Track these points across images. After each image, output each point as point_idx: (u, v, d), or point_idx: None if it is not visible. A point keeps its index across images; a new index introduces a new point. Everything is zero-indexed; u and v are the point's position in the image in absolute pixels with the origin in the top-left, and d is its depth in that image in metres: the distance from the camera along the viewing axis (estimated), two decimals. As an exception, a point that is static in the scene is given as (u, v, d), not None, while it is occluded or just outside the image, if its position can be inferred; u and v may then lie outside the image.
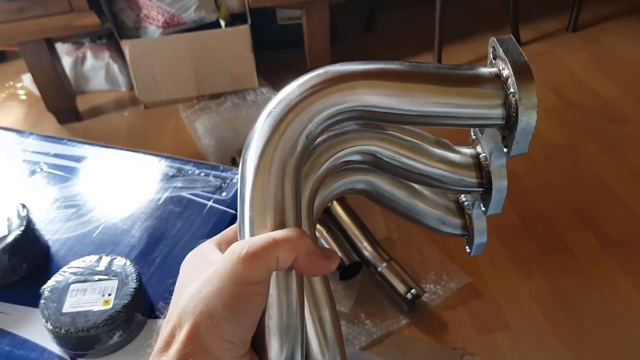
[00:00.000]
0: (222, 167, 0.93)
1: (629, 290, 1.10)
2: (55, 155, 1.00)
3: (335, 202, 1.29)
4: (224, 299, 0.26)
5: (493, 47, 0.31)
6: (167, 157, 0.97)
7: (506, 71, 0.29)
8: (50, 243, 0.80)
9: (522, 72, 0.28)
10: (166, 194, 0.89)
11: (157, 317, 0.71)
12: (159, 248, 0.80)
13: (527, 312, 1.08)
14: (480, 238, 0.40)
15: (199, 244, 0.34)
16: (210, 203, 0.86)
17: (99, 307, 0.65)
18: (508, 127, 0.30)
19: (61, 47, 1.89)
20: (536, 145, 1.50)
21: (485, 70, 0.30)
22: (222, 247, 0.32)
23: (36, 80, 1.68)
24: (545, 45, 1.94)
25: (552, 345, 1.02)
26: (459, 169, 0.36)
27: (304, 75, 0.30)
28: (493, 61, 0.31)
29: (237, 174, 0.95)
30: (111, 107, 1.85)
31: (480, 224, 0.40)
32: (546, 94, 1.70)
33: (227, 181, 0.90)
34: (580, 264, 1.17)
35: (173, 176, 0.93)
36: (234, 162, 1.47)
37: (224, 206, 0.85)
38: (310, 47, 1.81)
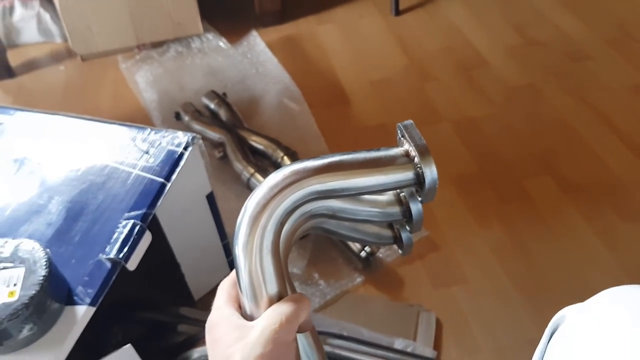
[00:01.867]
0: (149, 129, 0.84)
1: (588, 237, 1.07)
2: (-36, 123, 0.90)
3: (286, 159, 1.22)
4: (272, 355, 0.36)
5: (400, 131, 0.43)
6: (88, 119, 0.88)
7: (412, 150, 0.41)
8: (-48, 226, 0.72)
9: (423, 151, 0.41)
10: (88, 163, 0.80)
11: (75, 303, 0.65)
12: (78, 225, 0.73)
13: (484, 264, 1.05)
14: (408, 241, 0.52)
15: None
16: (135, 171, 0.78)
17: (2, 299, 0.58)
18: (419, 185, 0.42)
19: (-16, -4, 1.72)
20: (496, 87, 1.44)
21: (398, 150, 0.43)
22: (235, 304, 0.42)
23: (-44, 34, 1.52)
24: (508, -21, 1.84)
25: (510, 296, 1.00)
26: (387, 206, 0.48)
27: (271, 175, 0.41)
28: (401, 139, 0.43)
29: (167, 135, 0.85)
30: (46, 61, 1.70)
31: (406, 237, 0.52)
32: (507, 31, 1.62)
33: (156, 145, 0.82)
34: (540, 212, 1.13)
35: (95, 141, 0.84)
36: (178, 117, 1.37)
37: (150, 174, 0.77)
38: (259, -12, 1.68)
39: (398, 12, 1.74)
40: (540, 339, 0.48)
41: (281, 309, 0.39)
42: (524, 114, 1.36)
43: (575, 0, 1.72)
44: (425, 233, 1.10)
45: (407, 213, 0.48)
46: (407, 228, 0.50)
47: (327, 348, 0.85)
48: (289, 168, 0.41)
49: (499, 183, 1.19)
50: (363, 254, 1.04)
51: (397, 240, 0.53)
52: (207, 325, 0.41)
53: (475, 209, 1.15)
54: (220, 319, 0.40)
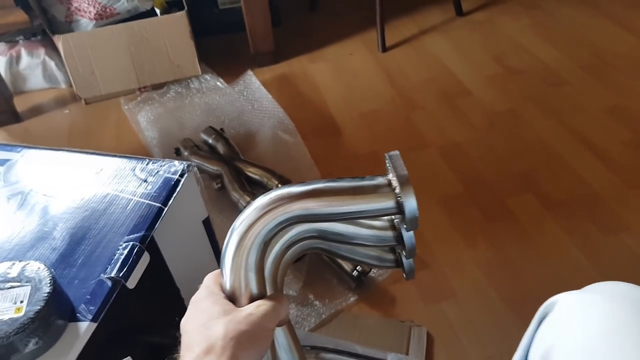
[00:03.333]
0: (147, 160, 0.90)
1: (570, 250, 1.12)
2: (-25, 160, 0.96)
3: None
4: (254, 336, 0.40)
5: (387, 160, 0.45)
6: (90, 153, 0.94)
7: (394, 180, 0.43)
8: (-36, 253, 0.77)
9: (403, 182, 0.42)
10: (90, 192, 0.86)
11: (78, 320, 0.69)
12: (81, 248, 0.78)
13: (472, 279, 1.09)
14: (409, 267, 0.54)
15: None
16: (135, 198, 0.84)
17: (10, 315, 0.63)
18: (402, 214, 0.43)
19: (-7, 47, 1.82)
20: (478, 112, 1.51)
21: (381, 180, 0.44)
22: (221, 289, 0.46)
23: (-34, 83, 1.61)
24: (487, 14, 1.94)
25: (497, 309, 1.03)
26: (380, 230, 0.50)
27: (258, 198, 0.44)
28: (388, 168, 0.45)
29: (164, 165, 0.91)
30: (51, 106, 1.79)
31: (407, 263, 0.53)
32: (487, 62, 1.70)
33: (154, 173, 0.88)
34: (523, 228, 1.18)
35: (97, 173, 0.90)
36: (178, 152, 1.44)
37: (148, 200, 0.83)
38: (252, 30, 1.77)
39: (385, 49, 1.83)
40: None
41: (267, 302, 0.43)
42: (505, 137, 1.42)
43: (551, 31, 1.81)
44: (414, 252, 1.15)
45: (400, 238, 0.49)
46: (403, 253, 0.51)
47: (320, 362, 0.89)
48: (276, 192, 0.44)
49: (483, 202, 1.24)
50: (355, 273, 1.08)
51: (399, 264, 0.55)
52: (193, 299, 0.45)
53: (461, 227, 1.20)
54: (210, 295, 0.44)
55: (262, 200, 0.44)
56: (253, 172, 1.33)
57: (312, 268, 1.14)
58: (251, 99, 1.67)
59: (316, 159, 1.42)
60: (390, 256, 0.54)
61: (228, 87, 1.73)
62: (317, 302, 1.09)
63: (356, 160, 1.41)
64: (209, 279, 0.46)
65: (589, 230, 1.15)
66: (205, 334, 0.40)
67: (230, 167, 1.34)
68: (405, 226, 0.44)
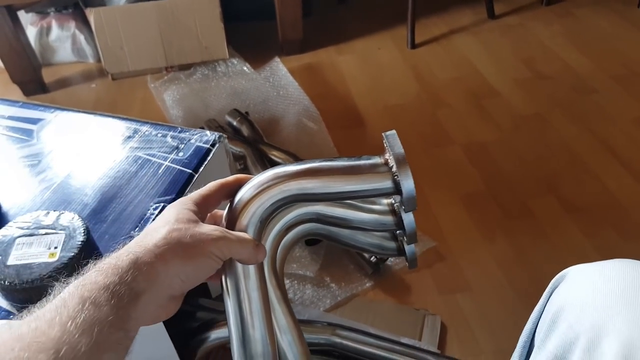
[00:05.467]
0: (179, 128, 0.91)
1: (588, 251, 1.12)
2: (10, 118, 0.98)
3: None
4: (191, 250, 0.40)
5: (384, 140, 0.44)
6: (123, 119, 0.95)
7: (391, 159, 0.42)
8: (0, 202, 0.78)
9: (400, 160, 0.41)
10: (121, 155, 0.87)
11: (107, 272, 0.70)
12: (112, 206, 0.79)
13: (488, 273, 1.09)
14: (411, 254, 0.52)
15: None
16: (166, 163, 0.85)
17: (44, 259, 0.64)
18: (399, 194, 0.42)
19: (25, 17, 1.84)
20: (504, 114, 1.51)
21: (378, 159, 0.43)
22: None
23: (-1, 49, 1.64)
24: (519, 19, 1.94)
25: (512, 304, 1.04)
26: (380, 214, 0.49)
27: (256, 176, 0.44)
28: (386, 147, 0.43)
29: (196, 134, 0.93)
30: (78, 79, 1.81)
31: (410, 250, 0.52)
32: (517, 65, 1.70)
33: (185, 141, 0.89)
34: (542, 228, 1.18)
35: (129, 137, 0.91)
36: (202, 132, 1.45)
37: (180, 166, 0.84)
38: (282, 18, 1.79)
39: (414, 46, 1.83)
40: None
41: (226, 232, 0.42)
42: (530, 140, 1.42)
43: (583, 39, 1.81)
44: (432, 244, 1.15)
45: (400, 223, 0.48)
46: (405, 239, 0.51)
47: (335, 339, 0.89)
48: (273, 170, 0.43)
49: (504, 201, 1.24)
50: (373, 259, 1.09)
51: (401, 252, 0.54)
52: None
53: (480, 223, 1.20)
54: (182, 211, 0.43)
55: (260, 178, 0.43)
56: (276, 156, 1.34)
57: (330, 252, 1.15)
58: (277, 86, 1.68)
59: (339, 147, 1.43)
60: (392, 244, 0.54)
61: (254, 72, 1.74)
62: (333, 285, 1.09)
63: (379, 152, 1.41)
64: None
65: (608, 235, 1.15)
66: (148, 231, 0.41)
67: (253, 149, 1.35)
68: (403, 207, 0.42)
